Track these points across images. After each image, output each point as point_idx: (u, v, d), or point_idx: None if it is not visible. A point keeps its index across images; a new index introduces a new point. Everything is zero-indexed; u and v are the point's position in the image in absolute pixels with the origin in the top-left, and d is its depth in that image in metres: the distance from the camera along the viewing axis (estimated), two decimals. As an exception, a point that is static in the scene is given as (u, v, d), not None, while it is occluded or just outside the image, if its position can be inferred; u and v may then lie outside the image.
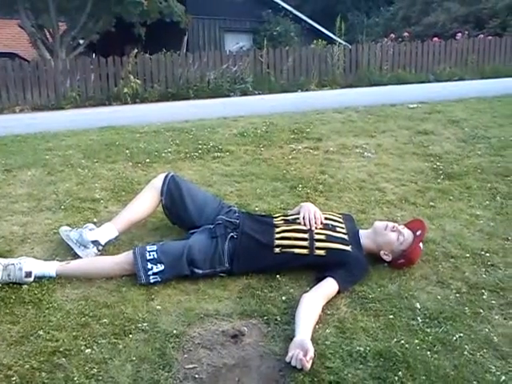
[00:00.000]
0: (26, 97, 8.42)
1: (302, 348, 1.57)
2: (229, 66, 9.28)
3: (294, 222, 2.19)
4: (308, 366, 1.53)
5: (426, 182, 3.17)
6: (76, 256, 2.19)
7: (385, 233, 2.16)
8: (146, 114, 6.23)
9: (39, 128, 4.77)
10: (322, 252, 2.07)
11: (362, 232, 2.24)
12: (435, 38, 11.35)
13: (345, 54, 10.12)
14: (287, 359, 1.57)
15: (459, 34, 11.64)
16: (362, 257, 2.12)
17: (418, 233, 2.19)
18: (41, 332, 1.72)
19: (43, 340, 1.68)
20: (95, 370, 1.55)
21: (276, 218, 2.25)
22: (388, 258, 2.17)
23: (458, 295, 1.99)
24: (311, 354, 1.56)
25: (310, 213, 2.19)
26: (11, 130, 4.65)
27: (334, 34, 12.77)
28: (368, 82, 9.47)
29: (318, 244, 2.09)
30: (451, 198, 2.92)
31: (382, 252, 2.17)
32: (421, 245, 2.22)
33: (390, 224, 2.19)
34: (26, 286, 1.97)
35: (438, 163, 3.47)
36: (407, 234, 2.18)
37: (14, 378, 1.51)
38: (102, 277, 2.05)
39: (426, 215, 2.68)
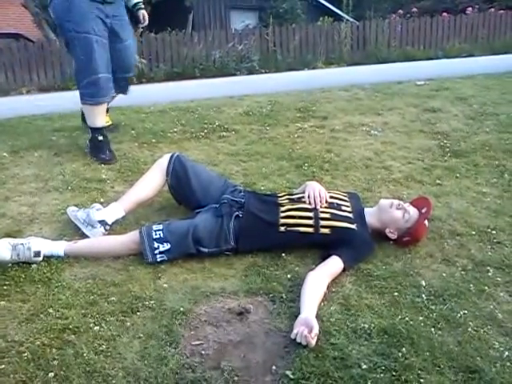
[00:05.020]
0: (33, 78, 8.41)
1: (307, 325, 1.59)
2: (234, 45, 9.19)
3: (299, 200, 2.19)
4: (313, 342, 1.55)
5: (433, 160, 3.15)
6: (84, 236, 2.21)
7: (390, 210, 2.16)
8: (152, 93, 6.20)
9: (46, 109, 4.77)
10: (327, 230, 2.08)
11: (367, 210, 2.25)
12: (444, 13, 11.13)
13: (352, 30, 9.97)
14: (292, 336, 1.59)
15: (469, 9, 11.41)
16: (368, 235, 2.13)
17: (424, 210, 2.19)
18: (50, 310, 1.75)
19: (53, 318, 1.71)
20: (104, 347, 1.58)
21: (281, 196, 2.26)
22: (393, 236, 2.18)
23: (463, 272, 1.99)
24: (316, 330, 1.58)
25: (315, 191, 2.19)
26: (18, 112, 4.66)
27: (341, 10, 12.59)
28: (376, 60, 9.34)
29: (323, 222, 2.09)
30: (458, 175, 2.91)
31: (387, 230, 2.18)
32: (426, 222, 2.22)
33: (396, 202, 2.19)
34: (35, 265, 1.99)
35: (445, 141, 3.44)
36: (413, 211, 2.18)
37: (26, 354, 1.54)
38: (110, 256, 2.07)
39: (433, 193, 2.67)
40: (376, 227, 2.19)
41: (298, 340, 1.57)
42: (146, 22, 3.52)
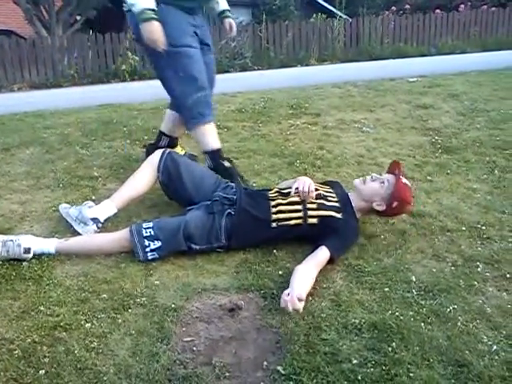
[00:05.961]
0: (24, 75, 8.35)
1: (292, 291, 1.65)
2: (227, 42, 9.16)
3: (288, 194, 2.20)
4: (289, 305, 1.60)
5: (424, 157, 3.16)
6: (75, 233, 2.21)
7: (366, 186, 2.21)
8: (144, 91, 6.16)
9: (37, 106, 4.75)
10: (314, 220, 2.10)
11: (351, 195, 2.27)
12: (437, 10, 11.17)
13: (345, 27, 9.98)
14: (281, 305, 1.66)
15: (462, 6, 11.45)
16: (354, 222, 2.16)
17: (397, 172, 2.23)
18: (41, 307, 1.74)
19: (44, 315, 1.71)
20: (95, 344, 1.58)
21: (271, 190, 2.27)
22: (382, 207, 2.19)
23: (453, 268, 2.01)
24: (299, 295, 1.62)
25: (305, 185, 2.19)
26: (9, 109, 4.64)
27: (335, 7, 12.57)
28: (368, 56, 9.37)
29: (310, 213, 2.11)
30: (449, 171, 2.92)
31: (374, 204, 2.20)
32: (406, 181, 2.24)
33: (368, 176, 2.25)
34: (26, 262, 1.99)
35: (436, 137, 3.46)
36: (387, 176, 2.23)
37: (16, 352, 1.54)
38: (101, 253, 2.07)
39: (424, 189, 2.69)
40: (363, 207, 2.22)
41: (282, 305, 1.62)
42: (234, 33, 2.98)
